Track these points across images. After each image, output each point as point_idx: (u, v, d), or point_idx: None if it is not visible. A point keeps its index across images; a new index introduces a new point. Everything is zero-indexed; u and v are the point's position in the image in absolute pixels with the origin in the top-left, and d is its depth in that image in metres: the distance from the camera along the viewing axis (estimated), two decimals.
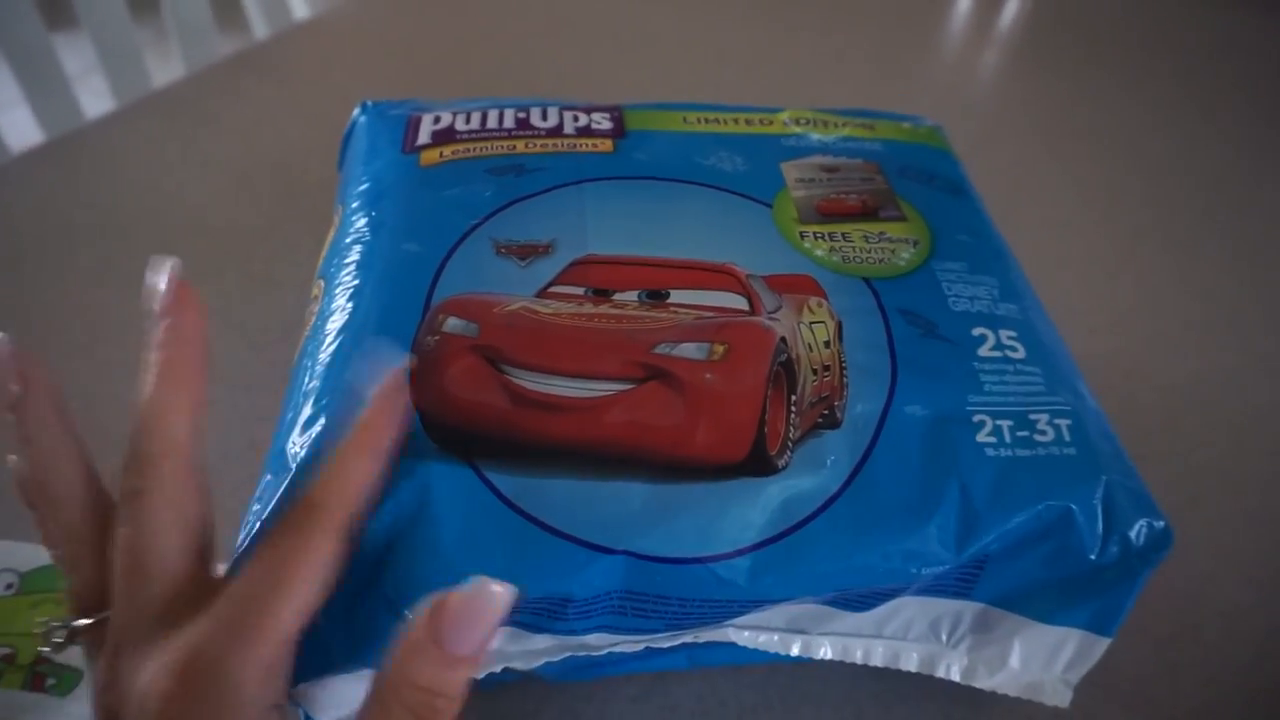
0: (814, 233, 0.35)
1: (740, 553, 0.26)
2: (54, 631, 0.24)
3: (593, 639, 0.28)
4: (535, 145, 0.37)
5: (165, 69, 0.81)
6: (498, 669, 0.29)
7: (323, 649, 0.25)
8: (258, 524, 0.26)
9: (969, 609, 0.30)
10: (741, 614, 0.28)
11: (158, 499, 0.23)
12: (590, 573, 0.26)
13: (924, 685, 0.32)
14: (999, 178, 0.48)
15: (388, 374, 0.25)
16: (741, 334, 0.29)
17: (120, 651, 0.22)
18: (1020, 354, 0.32)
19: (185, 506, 0.23)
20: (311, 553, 0.22)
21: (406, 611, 0.22)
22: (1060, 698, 0.31)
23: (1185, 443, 0.45)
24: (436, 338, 0.29)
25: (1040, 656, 0.30)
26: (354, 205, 0.35)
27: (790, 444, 0.28)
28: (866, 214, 0.36)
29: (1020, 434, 0.29)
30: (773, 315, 0.31)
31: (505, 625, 0.23)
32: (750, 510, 0.27)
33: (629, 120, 0.40)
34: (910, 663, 0.31)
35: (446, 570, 0.25)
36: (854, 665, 0.31)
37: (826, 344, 0.31)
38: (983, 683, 0.31)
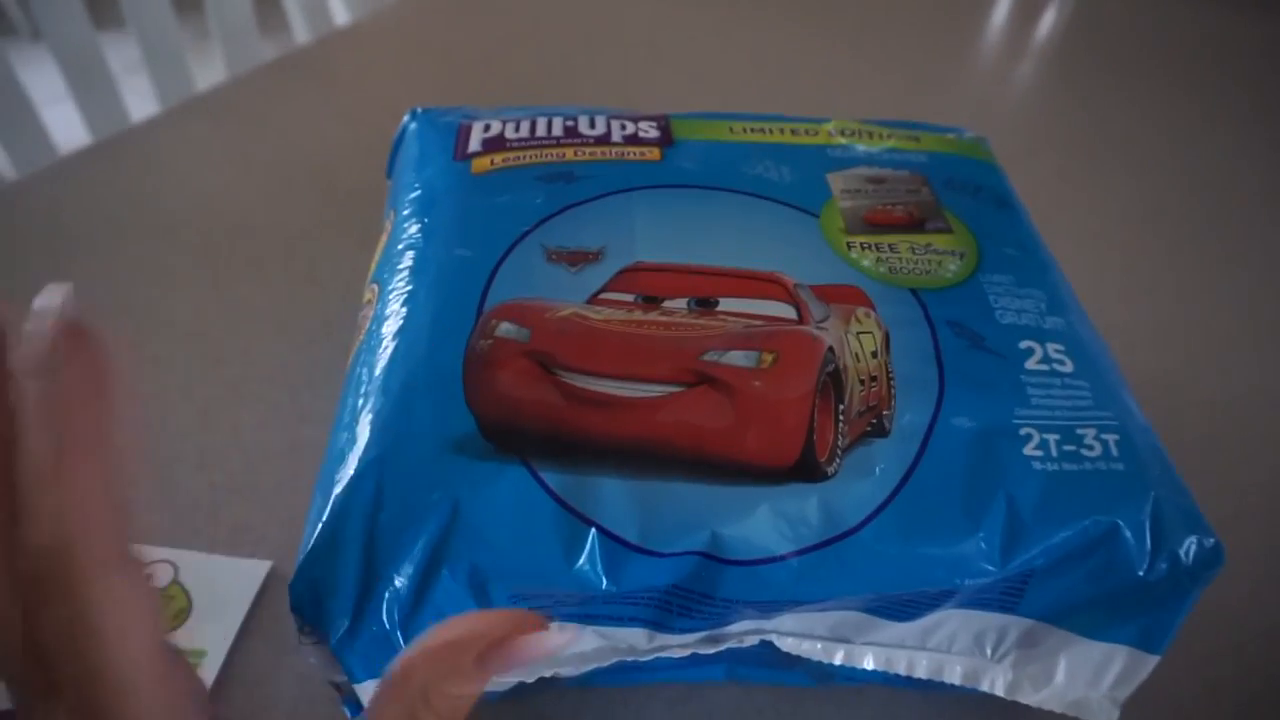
0: (861, 243, 0.35)
1: (788, 556, 0.27)
2: None
3: (638, 637, 0.29)
4: (584, 153, 0.38)
5: (207, 71, 0.82)
6: (548, 674, 0.29)
7: (384, 646, 0.25)
8: None
9: (1014, 623, 0.30)
10: (783, 612, 0.28)
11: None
12: (638, 568, 0.26)
13: (963, 700, 0.32)
14: (1036, 189, 0.47)
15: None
16: (790, 343, 0.30)
17: None
18: (1068, 368, 0.32)
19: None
20: None
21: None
22: (1108, 715, 0.31)
23: (1227, 460, 0.44)
24: (490, 342, 0.29)
25: (1086, 673, 0.30)
26: (406, 211, 0.36)
27: (839, 452, 0.28)
28: (913, 225, 0.36)
29: (1067, 448, 0.29)
30: (821, 325, 0.31)
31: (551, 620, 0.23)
32: (798, 515, 0.27)
33: (676, 129, 0.40)
34: (954, 675, 0.31)
35: (499, 565, 0.26)
36: (892, 678, 0.31)
37: (874, 354, 0.31)
38: (1027, 698, 0.31)
